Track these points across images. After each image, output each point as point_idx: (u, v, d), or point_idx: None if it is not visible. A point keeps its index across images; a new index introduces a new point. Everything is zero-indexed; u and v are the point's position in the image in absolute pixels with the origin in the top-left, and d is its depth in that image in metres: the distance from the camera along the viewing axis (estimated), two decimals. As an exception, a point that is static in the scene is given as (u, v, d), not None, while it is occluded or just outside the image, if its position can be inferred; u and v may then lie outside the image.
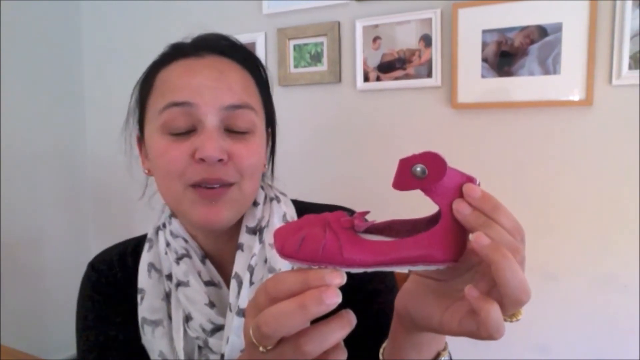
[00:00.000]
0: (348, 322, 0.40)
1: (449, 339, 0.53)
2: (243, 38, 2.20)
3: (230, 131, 0.64)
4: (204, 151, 0.60)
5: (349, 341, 0.42)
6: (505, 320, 0.39)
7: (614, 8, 1.37)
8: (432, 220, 0.43)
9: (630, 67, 1.35)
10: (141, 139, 0.70)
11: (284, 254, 0.40)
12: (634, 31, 1.34)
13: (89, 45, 2.43)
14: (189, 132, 0.63)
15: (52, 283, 2.31)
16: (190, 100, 0.62)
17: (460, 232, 0.40)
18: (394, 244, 0.40)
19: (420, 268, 0.41)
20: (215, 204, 0.63)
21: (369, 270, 0.40)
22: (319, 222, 0.41)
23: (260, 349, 0.40)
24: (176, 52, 0.67)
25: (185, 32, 0.71)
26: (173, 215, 0.72)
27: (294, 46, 1.86)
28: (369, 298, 0.69)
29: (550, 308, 1.50)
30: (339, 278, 0.38)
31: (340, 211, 0.42)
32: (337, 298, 0.37)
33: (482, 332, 0.38)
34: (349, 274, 0.39)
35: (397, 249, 0.40)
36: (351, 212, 0.48)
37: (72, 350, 0.76)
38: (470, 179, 0.40)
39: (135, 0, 2.25)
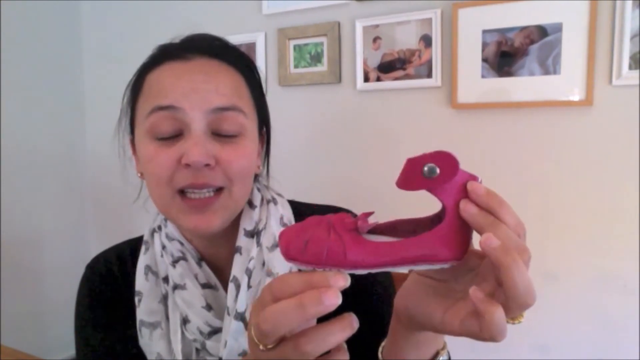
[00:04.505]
0: (349, 324, 0.40)
1: (448, 338, 0.53)
2: (243, 38, 2.20)
3: (219, 134, 0.62)
4: (190, 157, 0.59)
5: (348, 340, 0.42)
6: (507, 322, 0.39)
7: (614, 8, 1.36)
8: (435, 220, 0.43)
9: (630, 67, 1.35)
10: (134, 142, 0.69)
11: (288, 256, 0.40)
12: (634, 31, 1.34)
13: (89, 46, 2.43)
14: (177, 136, 0.61)
15: (51, 283, 2.31)
16: (176, 104, 0.60)
17: (465, 230, 0.40)
18: (398, 244, 0.40)
19: (423, 267, 0.41)
20: (205, 212, 0.61)
21: (374, 271, 0.40)
22: (322, 224, 0.41)
23: (261, 347, 0.40)
24: (164, 55, 0.66)
25: (185, 33, 0.70)
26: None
27: (294, 46, 1.86)
28: (368, 297, 0.69)
29: (550, 308, 1.50)
30: (343, 280, 0.38)
31: (344, 213, 0.42)
32: (336, 299, 0.37)
33: (485, 334, 0.38)
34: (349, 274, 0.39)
35: (401, 249, 0.40)
36: (348, 212, 0.48)
37: (72, 351, 0.76)
38: (474, 178, 0.40)
39: (135, 1, 2.25)
